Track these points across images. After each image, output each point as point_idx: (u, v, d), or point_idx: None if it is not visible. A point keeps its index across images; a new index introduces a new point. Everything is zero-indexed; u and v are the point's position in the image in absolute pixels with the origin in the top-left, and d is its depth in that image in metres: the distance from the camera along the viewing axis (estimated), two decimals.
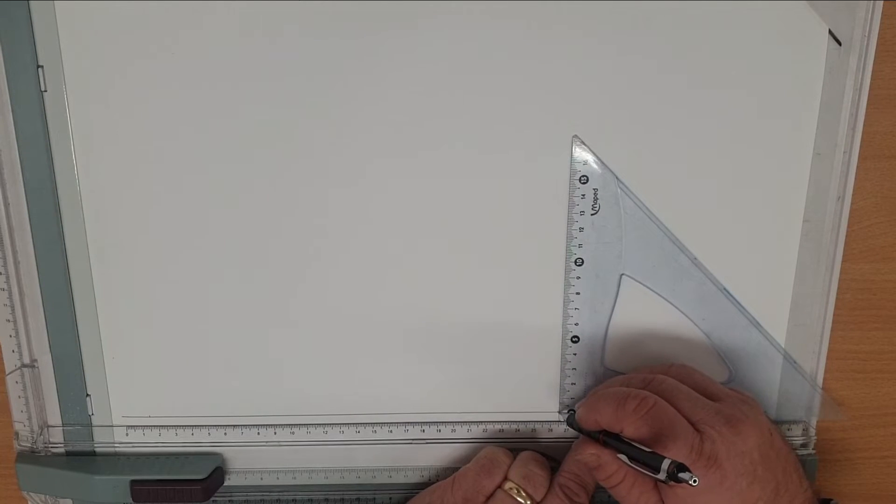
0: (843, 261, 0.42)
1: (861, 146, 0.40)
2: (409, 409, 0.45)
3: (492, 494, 0.40)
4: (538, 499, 0.40)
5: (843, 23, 0.38)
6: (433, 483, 0.43)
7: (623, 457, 0.36)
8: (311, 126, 0.40)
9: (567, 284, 0.42)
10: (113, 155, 0.40)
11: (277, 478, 0.46)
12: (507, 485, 0.40)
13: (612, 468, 0.37)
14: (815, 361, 0.44)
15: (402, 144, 0.40)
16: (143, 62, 0.39)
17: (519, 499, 0.40)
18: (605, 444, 0.38)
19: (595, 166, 0.41)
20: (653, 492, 0.37)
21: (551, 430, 0.45)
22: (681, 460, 0.34)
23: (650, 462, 0.34)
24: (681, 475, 0.33)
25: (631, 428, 0.37)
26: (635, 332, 0.43)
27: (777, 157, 0.40)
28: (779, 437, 0.38)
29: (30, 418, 0.44)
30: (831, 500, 0.42)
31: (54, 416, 0.45)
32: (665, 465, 0.33)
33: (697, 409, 0.37)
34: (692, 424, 0.36)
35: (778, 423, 0.44)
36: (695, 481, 0.33)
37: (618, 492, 0.38)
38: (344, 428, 0.45)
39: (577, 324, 0.43)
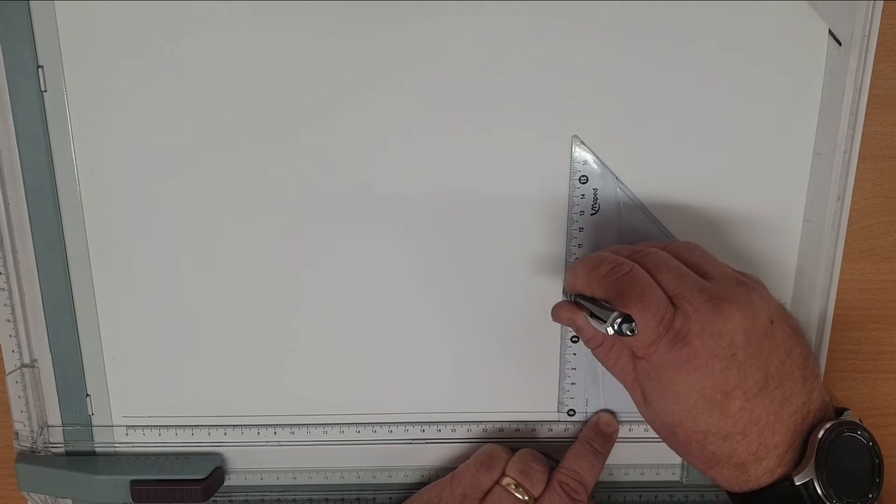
0: (843, 261, 0.42)
1: (861, 146, 0.40)
2: (409, 409, 0.45)
3: (490, 490, 0.40)
4: (536, 494, 0.40)
5: (843, 23, 0.38)
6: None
7: (585, 314, 0.36)
8: (311, 126, 0.40)
9: None
10: (113, 155, 0.40)
11: (277, 478, 0.46)
12: (505, 480, 0.40)
13: (590, 330, 0.38)
14: None
15: (401, 144, 0.40)
16: (143, 62, 0.39)
17: (517, 494, 0.40)
18: (577, 305, 0.38)
19: (595, 166, 0.41)
20: (629, 359, 0.37)
21: (551, 429, 0.45)
22: (648, 332, 0.33)
23: (602, 317, 0.33)
24: (622, 326, 0.31)
25: (600, 291, 0.36)
26: None
27: (777, 156, 0.40)
28: (785, 329, 0.35)
29: (30, 418, 0.44)
30: (846, 409, 0.36)
31: (54, 416, 0.45)
32: (612, 317, 0.32)
33: (679, 284, 0.34)
34: (670, 298, 0.34)
35: None
36: (632, 331, 0.31)
37: (598, 354, 0.39)
38: (344, 428, 0.45)
39: None
